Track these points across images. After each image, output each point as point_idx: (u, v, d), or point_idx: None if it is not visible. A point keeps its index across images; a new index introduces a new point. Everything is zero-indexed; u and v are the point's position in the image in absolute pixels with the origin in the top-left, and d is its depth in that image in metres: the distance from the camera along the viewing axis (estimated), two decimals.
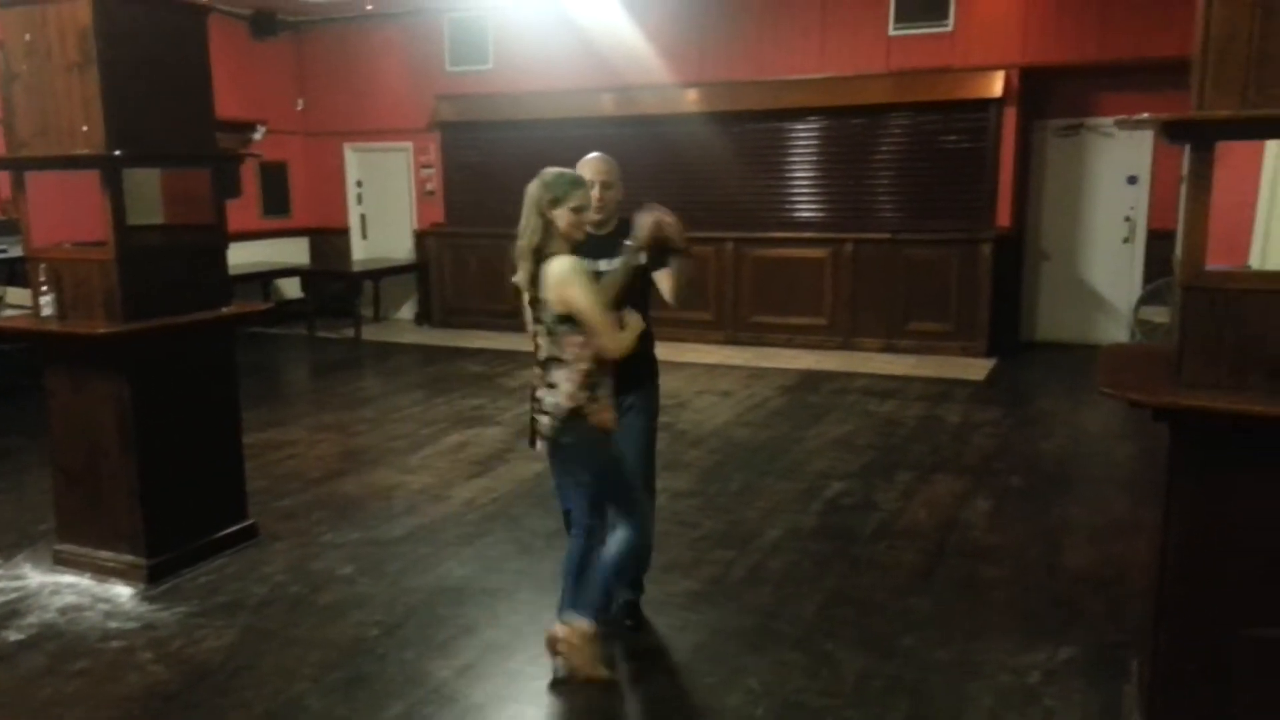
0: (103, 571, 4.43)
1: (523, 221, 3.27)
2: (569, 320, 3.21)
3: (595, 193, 3.48)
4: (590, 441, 3.30)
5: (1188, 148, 2.76)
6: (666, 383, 3.77)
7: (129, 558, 4.39)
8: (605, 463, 3.37)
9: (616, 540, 3.41)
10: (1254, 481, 2.67)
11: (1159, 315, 8.52)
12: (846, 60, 9.60)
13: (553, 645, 3.45)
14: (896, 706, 3.30)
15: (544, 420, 3.33)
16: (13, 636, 3.91)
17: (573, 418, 3.26)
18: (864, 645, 3.73)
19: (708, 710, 3.31)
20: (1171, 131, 2.82)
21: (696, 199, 10.26)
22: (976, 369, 8.76)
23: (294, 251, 12.32)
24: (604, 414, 3.31)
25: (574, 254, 3.25)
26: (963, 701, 3.33)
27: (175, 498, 4.46)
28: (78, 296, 4.31)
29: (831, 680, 3.48)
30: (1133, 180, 9.48)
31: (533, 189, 3.28)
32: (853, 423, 7.00)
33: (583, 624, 3.39)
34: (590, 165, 3.60)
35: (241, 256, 10.79)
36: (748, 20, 9.95)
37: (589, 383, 3.26)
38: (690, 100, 10.21)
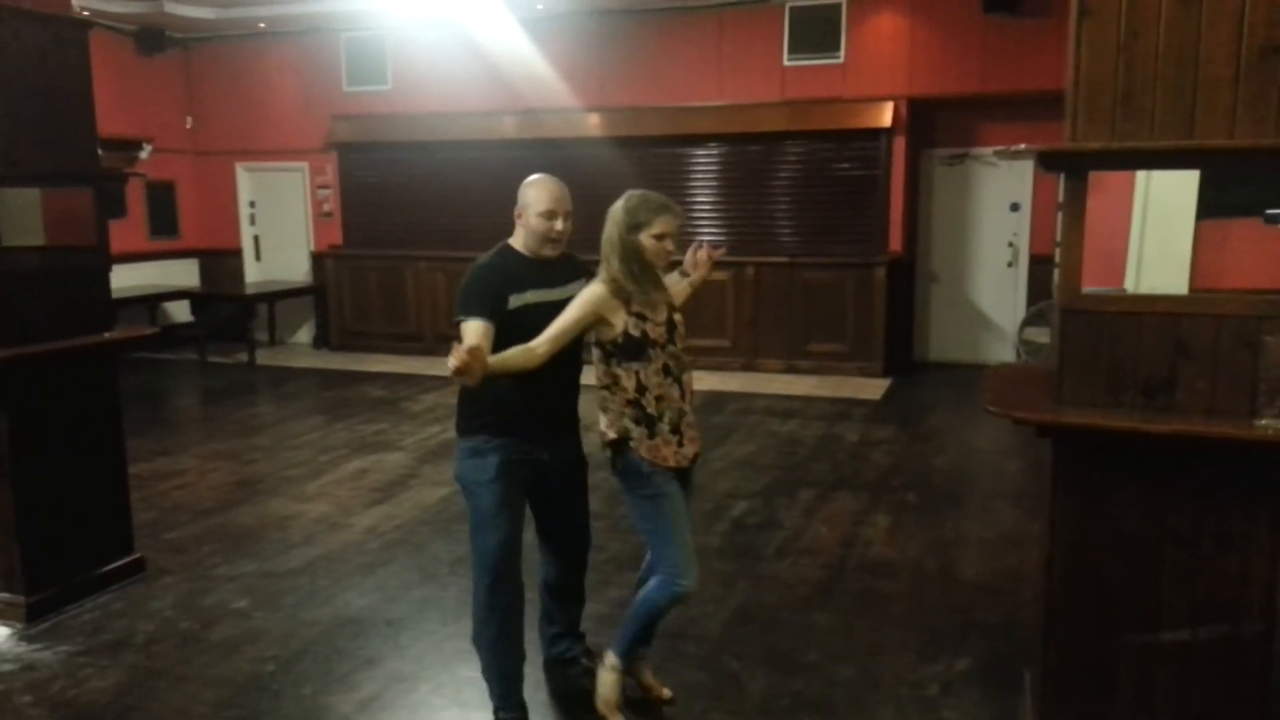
0: None
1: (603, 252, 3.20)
2: (599, 345, 3.16)
3: (559, 225, 3.26)
4: (636, 475, 3.16)
5: (1063, 176, 2.91)
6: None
7: (5, 595, 4.16)
8: (650, 501, 3.17)
9: (647, 587, 3.28)
10: (1130, 494, 2.81)
11: (1042, 336, 8.90)
12: (743, 89, 9.80)
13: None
14: None
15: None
16: None
17: (613, 442, 3.19)
18: (769, 663, 3.77)
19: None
20: (1047, 161, 2.97)
21: (599, 222, 10.27)
22: (873, 388, 8.99)
23: (183, 274, 11.90)
24: (660, 449, 3.14)
25: (521, 284, 3.18)
26: (865, 715, 3.39)
27: (55, 532, 4.25)
28: None
29: (737, 699, 3.50)
30: (1015, 207, 9.90)
31: (615, 211, 3.23)
32: (756, 443, 7.10)
33: (609, 657, 3.38)
34: (551, 193, 3.28)
35: (127, 279, 10.40)
36: (649, 47, 10.07)
37: (634, 413, 3.14)
38: (592, 124, 10.27)
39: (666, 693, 3.49)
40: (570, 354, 3.28)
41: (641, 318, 3.13)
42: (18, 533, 4.12)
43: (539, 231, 3.24)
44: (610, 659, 3.36)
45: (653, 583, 3.24)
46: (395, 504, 5.72)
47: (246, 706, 3.48)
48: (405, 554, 4.91)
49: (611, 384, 3.17)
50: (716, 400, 8.58)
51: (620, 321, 3.13)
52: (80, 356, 4.33)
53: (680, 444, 3.19)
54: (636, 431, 3.14)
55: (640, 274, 3.15)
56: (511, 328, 3.11)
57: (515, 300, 3.17)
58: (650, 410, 3.13)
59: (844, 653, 3.85)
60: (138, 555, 4.67)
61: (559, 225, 3.25)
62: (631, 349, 3.12)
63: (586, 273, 3.39)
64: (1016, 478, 6.31)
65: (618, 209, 3.22)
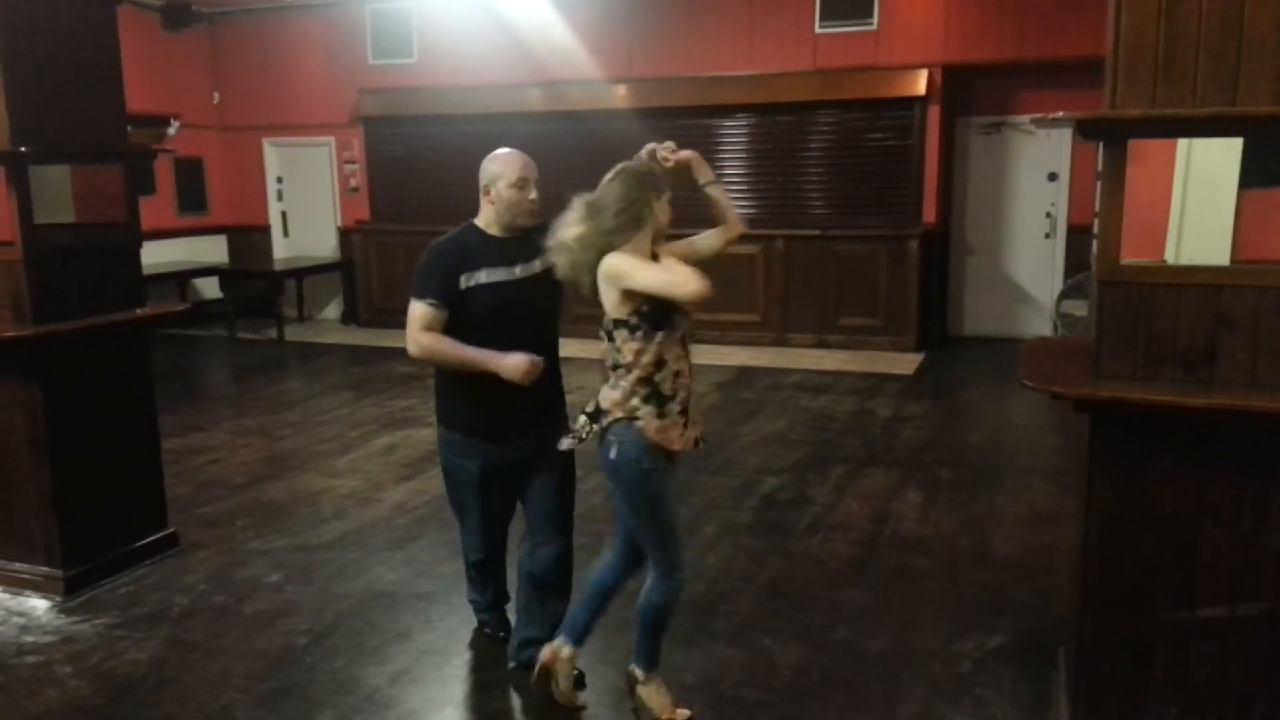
0: (17, 584, 4.26)
1: (599, 204, 2.96)
2: (624, 324, 2.92)
3: (534, 194, 3.21)
4: (633, 459, 2.93)
5: (1102, 145, 2.83)
6: (597, 380, 3.66)
7: (44, 569, 4.22)
8: (648, 499, 2.98)
9: (645, 589, 3.11)
10: (1169, 469, 2.75)
11: (1080, 309, 8.77)
12: (773, 57, 9.67)
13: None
14: (832, 699, 3.33)
15: (580, 419, 3.02)
16: None
17: (615, 422, 2.95)
18: (799, 638, 3.75)
19: (644, 708, 3.30)
20: (1086, 130, 2.90)
21: None
22: (906, 363, 8.90)
23: (212, 250, 11.99)
24: (669, 430, 2.93)
25: (475, 264, 3.13)
26: (896, 692, 3.37)
27: (91, 506, 4.31)
28: None
29: (767, 675, 3.49)
30: (1053, 177, 9.73)
31: (635, 169, 3.04)
32: (786, 418, 7.06)
33: (641, 673, 3.19)
34: (521, 162, 3.23)
35: (156, 255, 10.49)
36: (676, 16, 9.96)
37: (645, 391, 2.92)
38: (619, 96, 10.18)
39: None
40: (549, 333, 3.29)
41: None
42: (55, 507, 4.18)
43: (514, 202, 3.17)
44: (642, 674, 3.18)
45: (650, 587, 3.07)
46: (424, 479, 5.74)
47: (280, 679, 3.51)
48: (434, 529, 4.93)
49: (630, 360, 2.92)
50: (746, 376, 8.53)
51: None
52: (113, 333, 4.37)
53: (685, 426, 3.00)
54: (645, 411, 2.92)
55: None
56: (467, 308, 3.11)
57: (468, 280, 3.14)
58: (665, 389, 2.93)
59: (876, 629, 3.82)
60: (172, 530, 4.72)
61: (533, 194, 3.20)
62: (659, 315, 2.90)
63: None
64: (1052, 453, 6.23)
65: (628, 173, 3.08)
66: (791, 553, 4.60)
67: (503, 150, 3.26)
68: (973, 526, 4.92)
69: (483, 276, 3.16)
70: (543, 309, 3.31)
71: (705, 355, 9.37)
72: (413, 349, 3.20)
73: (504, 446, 3.29)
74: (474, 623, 3.89)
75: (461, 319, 3.16)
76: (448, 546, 4.70)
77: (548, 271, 3.11)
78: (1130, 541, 2.82)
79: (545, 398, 3.32)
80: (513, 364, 3.09)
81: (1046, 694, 3.32)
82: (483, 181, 3.22)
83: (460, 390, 3.27)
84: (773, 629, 3.83)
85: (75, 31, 4.21)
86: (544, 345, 3.24)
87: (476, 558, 3.57)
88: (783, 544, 4.70)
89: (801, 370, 8.69)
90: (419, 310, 3.14)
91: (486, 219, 3.25)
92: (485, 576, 3.66)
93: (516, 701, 3.38)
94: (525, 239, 3.20)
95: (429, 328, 3.17)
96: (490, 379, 3.11)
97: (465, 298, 3.14)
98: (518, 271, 3.20)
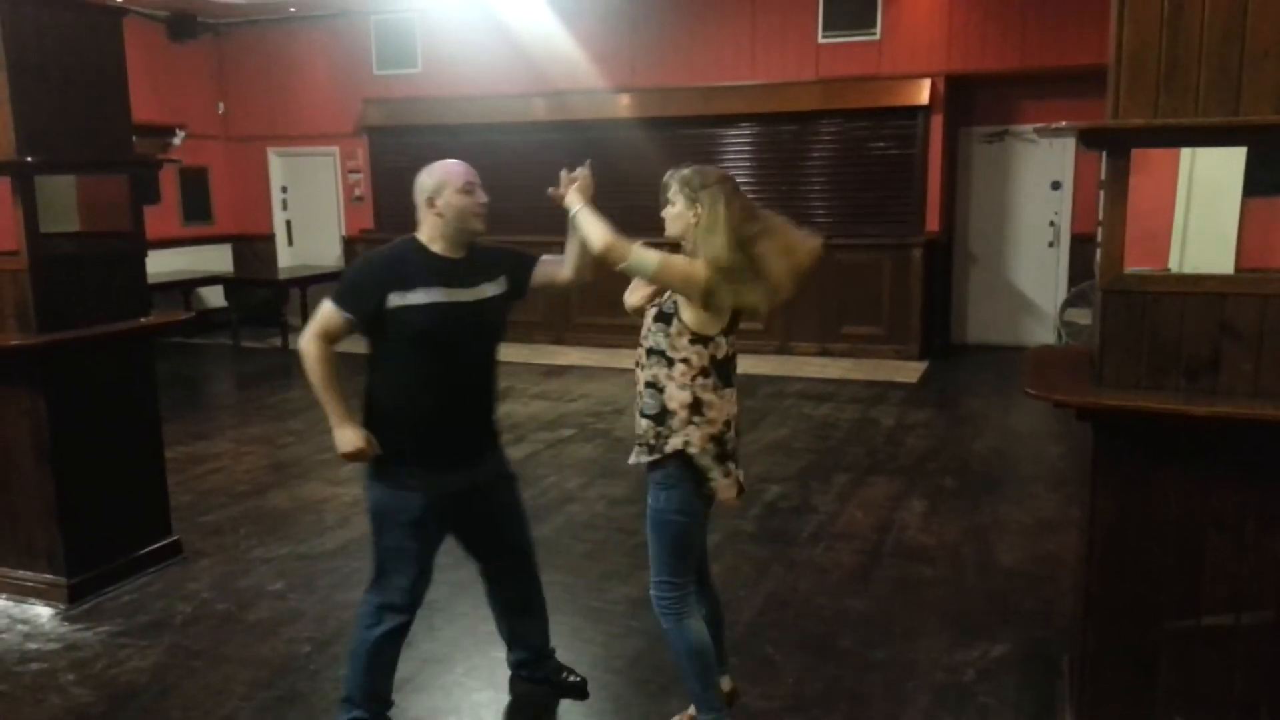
0: (21, 591, 4.26)
1: (697, 216, 2.81)
2: (685, 350, 2.82)
3: (483, 198, 3.00)
4: (687, 502, 2.85)
5: (1105, 154, 2.84)
6: (602, 388, 3.68)
7: (48, 577, 4.23)
8: (685, 530, 2.90)
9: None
10: (1172, 478, 2.75)
11: (1083, 317, 8.76)
12: (776, 67, 9.70)
13: None
14: (835, 708, 3.32)
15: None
16: None
17: (681, 469, 2.84)
18: (802, 647, 3.75)
19: (648, 715, 3.30)
20: (1088, 139, 2.90)
21: (631, 204, 10.22)
22: (909, 371, 8.90)
23: (216, 259, 12.02)
24: (731, 488, 2.87)
25: (410, 283, 2.86)
26: (900, 701, 3.36)
27: (95, 514, 4.31)
28: None
29: (771, 683, 3.48)
30: (1056, 186, 9.74)
31: (733, 190, 2.86)
32: (789, 426, 7.06)
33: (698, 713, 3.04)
34: (464, 166, 3.03)
35: (161, 264, 10.52)
36: (679, 26, 9.99)
37: (717, 450, 2.82)
38: (622, 106, 10.21)
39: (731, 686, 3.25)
40: (488, 360, 3.06)
41: (735, 332, 2.82)
42: (59, 515, 4.18)
43: (465, 208, 2.92)
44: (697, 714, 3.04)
45: (670, 628, 2.94)
46: None
47: (283, 686, 3.51)
48: None
49: (696, 407, 2.78)
50: (750, 384, 8.52)
51: (717, 329, 2.78)
52: (117, 341, 4.38)
53: (739, 477, 2.90)
54: (718, 471, 2.81)
55: (750, 265, 2.72)
56: (399, 329, 2.86)
57: (400, 299, 2.85)
58: (730, 447, 2.83)
59: (879, 638, 3.81)
60: (175, 538, 4.72)
61: (483, 197, 2.98)
62: (725, 371, 2.79)
63: (512, 269, 3.09)
64: (1056, 462, 6.22)
65: (707, 177, 2.84)
66: (794, 561, 4.60)
67: (437, 163, 3.05)
68: (976, 535, 4.91)
69: (418, 297, 2.87)
70: (483, 336, 3.05)
71: None
72: (301, 343, 2.94)
73: (447, 475, 2.99)
74: (477, 632, 3.88)
75: (387, 339, 2.92)
76: (450, 555, 4.68)
77: (495, 298, 3.01)
78: (1134, 550, 2.81)
79: (486, 421, 3.12)
80: (346, 439, 2.90)
81: (1050, 703, 3.31)
82: (424, 196, 2.96)
83: (395, 410, 2.97)
84: (776, 638, 3.83)
85: (81, 42, 4.23)
86: (480, 373, 3.05)
87: (397, 622, 3.06)
88: (786, 552, 4.70)
89: (804, 378, 8.69)
90: (330, 315, 2.90)
91: (430, 234, 2.96)
92: (396, 650, 3.14)
93: (518, 711, 3.37)
94: (472, 260, 3.00)
95: (328, 336, 2.92)
96: (424, 395, 2.93)
97: (392, 317, 2.87)
98: (460, 295, 2.93)
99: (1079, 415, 2.78)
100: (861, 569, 4.51)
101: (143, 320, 4.49)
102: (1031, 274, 9.97)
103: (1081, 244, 9.44)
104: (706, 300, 2.73)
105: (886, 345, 9.50)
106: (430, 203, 2.95)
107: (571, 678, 3.43)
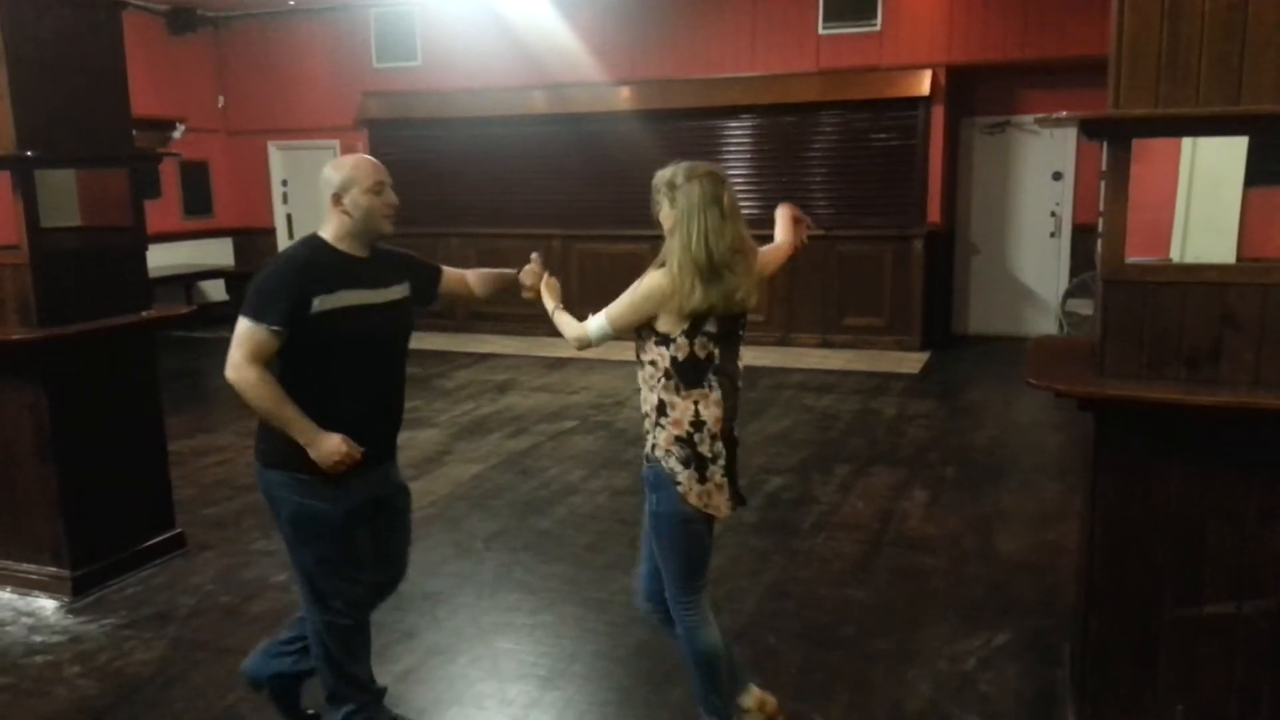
0: (25, 584, 4.28)
1: (739, 228, 2.77)
2: (650, 357, 2.81)
3: (392, 198, 2.85)
4: (674, 513, 2.83)
5: (1106, 144, 2.84)
6: (603, 381, 3.67)
7: (52, 570, 4.25)
8: (685, 540, 2.86)
9: (683, 642, 2.95)
10: (1173, 468, 2.76)
11: (1085, 307, 8.76)
12: (777, 59, 9.68)
13: None
14: (837, 697, 3.34)
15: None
16: None
17: (661, 479, 2.85)
18: (804, 637, 3.76)
19: (651, 705, 3.31)
20: (1089, 129, 2.90)
21: (631, 196, 10.24)
22: (911, 362, 8.90)
23: (218, 253, 12.02)
24: (714, 495, 2.86)
25: (332, 284, 2.72)
26: (901, 690, 3.38)
27: (98, 507, 4.32)
28: None
29: (774, 672, 3.49)
30: (1058, 176, 9.73)
31: (733, 192, 2.80)
32: (791, 418, 7.06)
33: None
34: (375, 164, 2.87)
35: (162, 258, 10.51)
36: (679, 18, 9.97)
37: (683, 453, 2.80)
38: (622, 98, 10.19)
39: (771, 700, 3.08)
40: (403, 363, 2.99)
41: (706, 333, 2.71)
42: (62, 509, 4.20)
43: (374, 208, 2.78)
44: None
45: (681, 633, 2.91)
46: (430, 480, 5.75)
47: None
48: (441, 529, 4.94)
49: (661, 408, 2.75)
50: (750, 375, 8.47)
51: (678, 330, 2.71)
52: (119, 336, 4.38)
53: (734, 486, 2.88)
54: (685, 475, 2.75)
55: (723, 261, 2.67)
56: (319, 334, 2.70)
57: (322, 303, 2.70)
58: (704, 450, 2.77)
59: (881, 628, 3.82)
60: (178, 530, 4.74)
61: (392, 198, 2.84)
62: (690, 372, 2.73)
63: (416, 273, 3.03)
64: (1057, 452, 6.22)
65: (688, 173, 2.77)
66: (796, 552, 4.61)
67: (346, 156, 2.90)
68: (978, 525, 4.92)
69: (345, 298, 2.74)
70: (401, 338, 2.97)
71: None
72: (232, 375, 2.72)
73: (362, 481, 2.84)
74: (480, 623, 3.89)
75: (308, 346, 2.73)
76: (455, 546, 4.72)
77: (404, 300, 2.95)
78: (1135, 539, 2.82)
79: (397, 426, 3.03)
80: (331, 448, 2.70)
81: (1052, 692, 3.32)
82: (329, 191, 2.79)
83: (319, 416, 2.76)
84: (778, 627, 3.84)
85: (81, 36, 4.23)
86: (394, 376, 2.98)
87: (346, 623, 2.92)
88: (787, 543, 4.71)
89: (805, 370, 8.70)
90: (253, 334, 2.67)
91: (336, 233, 2.80)
92: (359, 651, 3.01)
93: (522, 700, 3.38)
94: (380, 260, 2.89)
95: (260, 358, 2.69)
96: (342, 402, 2.79)
97: (317, 322, 2.70)
98: (372, 296, 2.82)
99: (1080, 405, 2.78)
100: (863, 559, 4.52)
101: (144, 314, 4.49)
102: (1033, 264, 9.96)
103: (1083, 234, 9.44)
104: (675, 305, 2.69)
105: (888, 336, 9.51)
106: (336, 200, 2.78)
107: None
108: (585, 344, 2.89)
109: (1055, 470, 5.81)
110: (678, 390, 2.74)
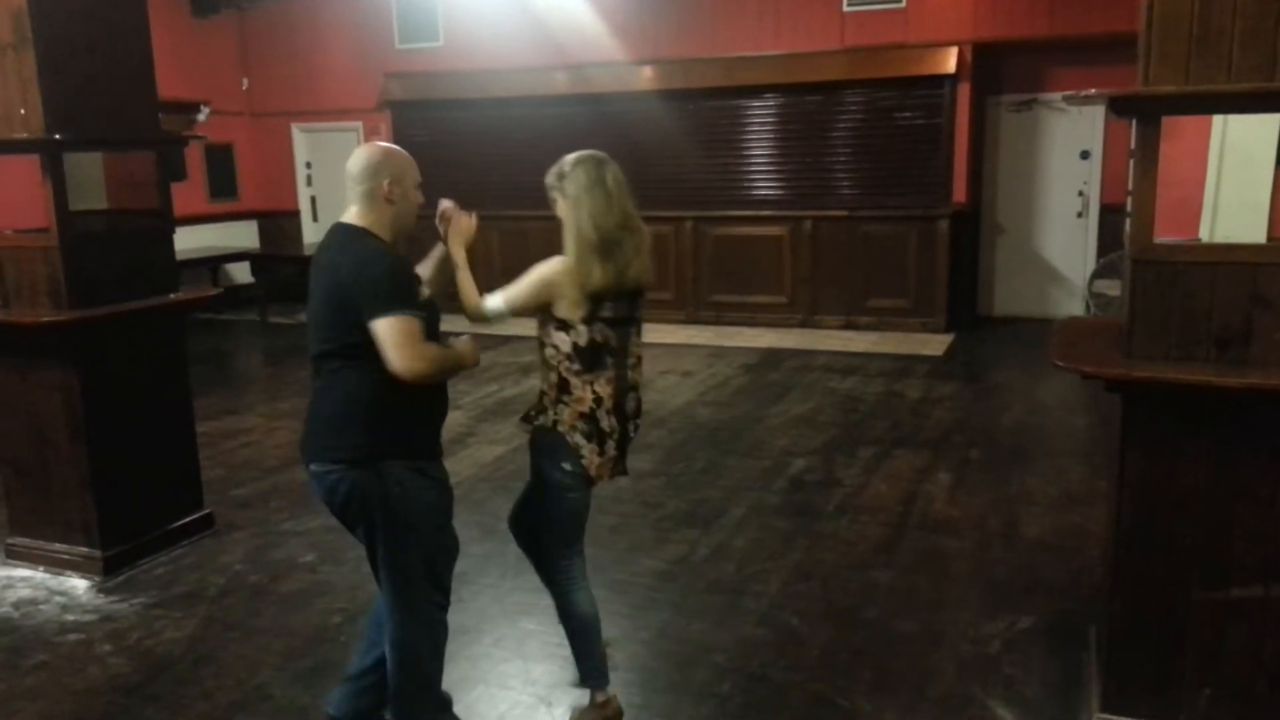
0: (57, 564, 4.35)
1: (626, 208, 2.84)
2: (552, 338, 2.91)
3: (421, 199, 2.85)
4: (572, 480, 2.95)
5: (1135, 122, 2.80)
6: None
7: (83, 549, 4.31)
8: (574, 511, 3.03)
9: (579, 607, 3.07)
10: (1202, 449, 2.73)
11: (1113, 288, 8.67)
12: (801, 37, 9.59)
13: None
14: (861, 678, 3.34)
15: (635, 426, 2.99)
16: None
17: (562, 450, 2.96)
18: (828, 619, 3.76)
19: (674, 686, 3.33)
20: (1118, 107, 2.86)
21: (652, 177, 10.22)
22: (935, 344, 8.84)
23: (243, 235, 12.10)
24: (609, 465, 3.00)
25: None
26: (925, 672, 3.37)
27: (128, 488, 4.38)
28: (21, 284, 4.20)
29: (797, 654, 3.50)
30: (1085, 155, 9.60)
31: (618, 173, 2.87)
32: (814, 400, 7.04)
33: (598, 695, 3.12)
34: (413, 161, 2.86)
35: (189, 241, 10.60)
36: None
37: (586, 428, 2.90)
38: (645, 77, 10.14)
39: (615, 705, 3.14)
40: None
41: (604, 319, 2.80)
42: (93, 489, 4.25)
43: (415, 208, 2.78)
44: (598, 693, 3.09)
45: (556, 595, 3.06)
46: (454, 461, 5.78)
47: (315, 656, 3.57)
48: (465, 510, 4.94)
49: (563, 387, 2.85)
50: (774, 358, 8.51)
51: (578, 317, 2.79)
52: (148, 318, 4.43)
53: (623, 459, 3.02)
54: (589, 449, 2.87)
55: (612, 238, 2.77)
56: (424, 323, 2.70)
57: (421, 292, 2.74)
58: (604, 426, 2.87)
59: (905, 610, 3.82)
60: (207, 511, 4.79)
61: (421, 198, 2.84)
62: (589, 357, 2.82)
63: None
64: (1084, 434, 6.18)
65: (572, 164, 2.87)
66: (820, 534, 4.60)
67: (382, 145, 2.83)
68: (1003, 507, 4.90)
69: (426, 290, 2.79)
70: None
71: (732, 337, 9.37)
72: (420, 366, 2.61)
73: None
74: (505, 603, 3.93)
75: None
76: (479, 527, 4.74)
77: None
78: (1162, 521, 2.80)
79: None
80: (471, 348, 2.80)
81: (1077, 674, 3.31)
82: (381, 179, 2.70)
83: (416, 407, 2.75)
84: (801, 609, 3.84)
85: (107, 19, 4.25)
86: None
87: (443, 614, 2.93)
88: (811, 525, 4.70)
89: (829, 352, 8.66)
90: (409, 324, 2.60)
91: (379, 224, 2.72)
92: (444, 645, 3.00)
93: (546, 681, 3.40)
94: None
95: (420, 340, 2.65)
96: (439, 389, 2.81)
97: (425, 309, 2.73)
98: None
99: (1108, 387, 2.76)
100: (887, 541, 4.51)
101: (172, 296, 4.53)
102: (1060, 245, 9.86)
103: (1110, 214, 9.32)
104: (574, 289, 2.78)
105: (912, 318, 9.44)
106: (389, 190, 2.70)
107: None
108: (480, 318, 2.92)
109: (1081, 452, 5.77)
110: (578, 374, 2.85)
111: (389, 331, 2.57)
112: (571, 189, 2.83)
